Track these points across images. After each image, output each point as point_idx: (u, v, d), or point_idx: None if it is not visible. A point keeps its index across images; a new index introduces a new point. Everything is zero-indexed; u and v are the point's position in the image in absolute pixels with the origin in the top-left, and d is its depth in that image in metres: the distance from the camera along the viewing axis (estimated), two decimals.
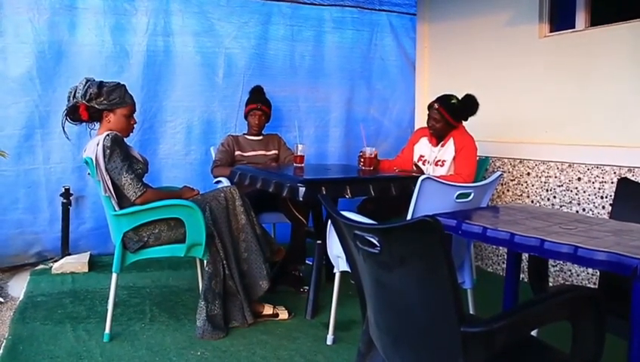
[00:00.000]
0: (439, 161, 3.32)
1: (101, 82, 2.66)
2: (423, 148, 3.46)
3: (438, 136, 3.33)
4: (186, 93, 4.16)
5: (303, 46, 4.51)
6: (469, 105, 3.26)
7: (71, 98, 2.67)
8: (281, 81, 4.43)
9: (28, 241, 3.83)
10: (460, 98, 3.27)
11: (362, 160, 3.34)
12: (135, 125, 2.83)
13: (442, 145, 3.32)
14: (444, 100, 3.26)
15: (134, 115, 2.79)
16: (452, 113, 3.24)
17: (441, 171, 3.28)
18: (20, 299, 3.18)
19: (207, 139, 4.18)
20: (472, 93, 3.26)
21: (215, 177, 3.58)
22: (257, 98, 3.87)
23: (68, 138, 2.83)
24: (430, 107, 3.30)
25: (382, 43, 4.79)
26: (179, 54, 4.12)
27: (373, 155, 3.32)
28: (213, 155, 3.81)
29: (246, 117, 3.88)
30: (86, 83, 2.64)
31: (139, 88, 3.94)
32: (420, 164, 3.43)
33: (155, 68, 4.05)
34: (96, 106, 2.65)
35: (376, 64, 4.78)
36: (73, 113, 2.69)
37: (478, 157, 3.22)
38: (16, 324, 2.78)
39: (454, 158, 3.24)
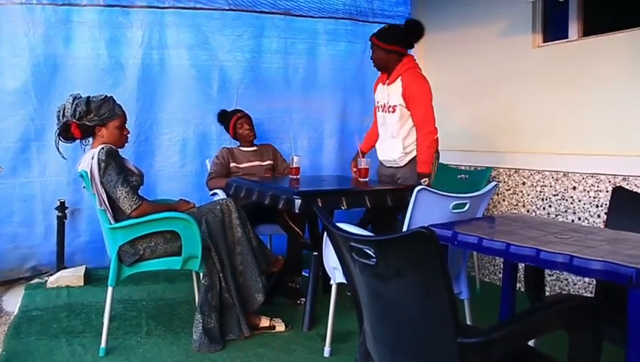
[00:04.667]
0: (389, 106, 3.23)
1: (88, 98, 2.65)
2: (378, 93, 3.39)
3: (383, 69, 3.27)
4: (181, 106, 4.16)
5: (297, 58, 4.51)
6: (407, 28, 3.21)
7: (60, 117, 2.66)
8: (274, 94, 4.44)
9: (23, 255, 3.81)
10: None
11: (356, 170, 3.36)
12: (129, 135, 2.83)
13: (389, 84, 3.22)
14: (377, 30, 3.27)
15: (126, 125, 2.79)
16: (383, 38, 3.19)
17: (394, 119, 3.20)
18: (15, 313, 3.16)
19: (203, 151, 4.18)
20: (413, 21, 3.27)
21: (210, 189, 3.58)
22: (232, 111, 3.90)
23: (64, 157, 2.82)
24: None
25: None
26: (174, 67, 4.12)
27: (367, 166, 3.32)
28: (209, 168, 3.81)
29: (235, 134, 3.86)
30: (73, 101, 2.62)
31: (134, 101, 3.95)
32: (378, 111, 3.38)
33: (151, 81, 4.06)
34: (87, 123, 2.64)
35: (370, 76, 4.77)
36: (65, 132, 2.68)
37: (480, 168, 3.20)
38: (11, 339, 2.76)
39: (407, 106, 3.14)
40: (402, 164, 3.23)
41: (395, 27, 3.29)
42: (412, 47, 3.27)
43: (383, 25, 4.70)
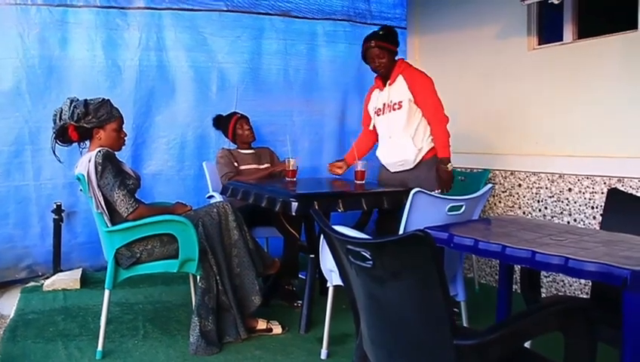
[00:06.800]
0: (394, 103, 3.18)
1: (86, 100, 2.66)
2: (374, 101, 3.36)
3: (386, 74, 3.22)
4: (179, 109, 4.15)
5: (297, 60, 4.51)
6: (392, 30, 3.23)
7: (57, 120, 2.66)
8: (275, 96, 4.43)
9: (18, 255, 3.80)
10: (380, 27, 3.27)
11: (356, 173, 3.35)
12: (126, 138, 2.83)
13: (390, 84, 3.21)
14: (374, 35, 3.20)
15: (123, 128, 2.79)
16: (389, 41, 3.18)
17: (402, 115, 3.14)
18: (11, 316, 3.15)
19: (201, 154, 4.17)
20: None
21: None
22: (229, 114, 3.88)
23: (60, 161, 2.82)
24: (367, 50, 3.21)
25: None
26: (172, 69, 4.11)
27: (364, 169, 3.31)
28: (206, 171, 3.79)
29: (234, 136, 3.84)
30: (71, 103, 2.63)
31: (131, 103, 3.94)
32: (376, 117, 3.33)
33: (148, 83, 4.04)
34: (85, 125, 2.64)
35: (369, 77, 4.76)
36: (62, 135, 2.68)
37: (477, 170, 3.17)
38: (7, 343, 2.75)
39: (415, 101, 3.12)
40: (414, 164, 3.15)
41: (391, 28, 3.26)
42: None
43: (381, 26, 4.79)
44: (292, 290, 3.39)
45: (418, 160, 3.15)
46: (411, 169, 3.17)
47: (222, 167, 3.67)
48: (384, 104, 3.25)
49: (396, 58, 3.25)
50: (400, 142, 3.18)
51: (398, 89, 3.17)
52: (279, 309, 3.22)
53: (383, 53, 3.17)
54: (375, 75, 3.35)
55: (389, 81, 3.22)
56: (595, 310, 1.49)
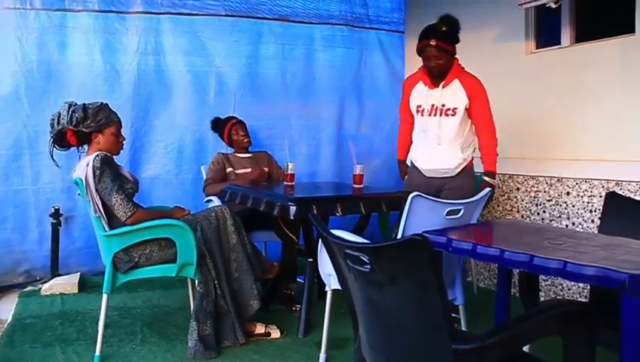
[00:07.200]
0: (448, 108, 2.94)
1: (84, 105, 2.65)
2: (417, 97, 3.08)
3: (440, 75, 2.94)
4: (177, 113, 4.15)
5: (294, 64, 4.51)
6: (455, 25, 2.92)
7: (55, 125, 2.65)
8: (272, 100, 4.43)
9: (16, 260, 3.79)
10: (442, 20, 2.90)
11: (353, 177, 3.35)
12: (124, 142, 2.83)
13: (444, 86, 2.95)
14: (436, 32, 2.89)
15: (122, 132, 2.79)
16: (450, 41, 2.89)
17: (454, 122, 2.95)
18: (8, 321, 3.14)
19: (199, 158, 4.16)
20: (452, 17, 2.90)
21: (208, 195, 3.56)
22: (226, 118, 3.90)
23: (58, 165, 2.80)
24: (424, 48, 2.90)
25: (371, 61, 4.81)
26: (170, 73, 4.12)
27: (362, 173, 3.31)
28: (204, 175, 3.80)
29: (230, 140, 3.85)
30: (69, 108, 2.63)
31: (129, 107, 3.94)
32: (419, 115, 3.07)
33: (146, 87, 4.04)
34: (84, 130, 2.64)
35: (367, 82, 4.81)
36: (61, 140, 2.68)
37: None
38: (4, 348, 2.74)
39: (469, 109, 2.92)
40: (455, 173, 3.00)
41: (454, 23, 2.91)
42: None
43: (379, 31, 4.79)
44: (290, 294, 3.38)
45: (460, 169, 3.01)
46: (451, 176, 3.02)
47: (208, 173, 3.72)
48: (433, 105, 3.00)
49: (455, 51, 2.98)
50: (449, 150, 3.00)
51: (455, 94, 2.95)
52: (278, 313, 3.21)
53: (441, 54, 2.88)
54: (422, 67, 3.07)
55: (443, 83, 2.96)
56: (594, 313, 1.49)
